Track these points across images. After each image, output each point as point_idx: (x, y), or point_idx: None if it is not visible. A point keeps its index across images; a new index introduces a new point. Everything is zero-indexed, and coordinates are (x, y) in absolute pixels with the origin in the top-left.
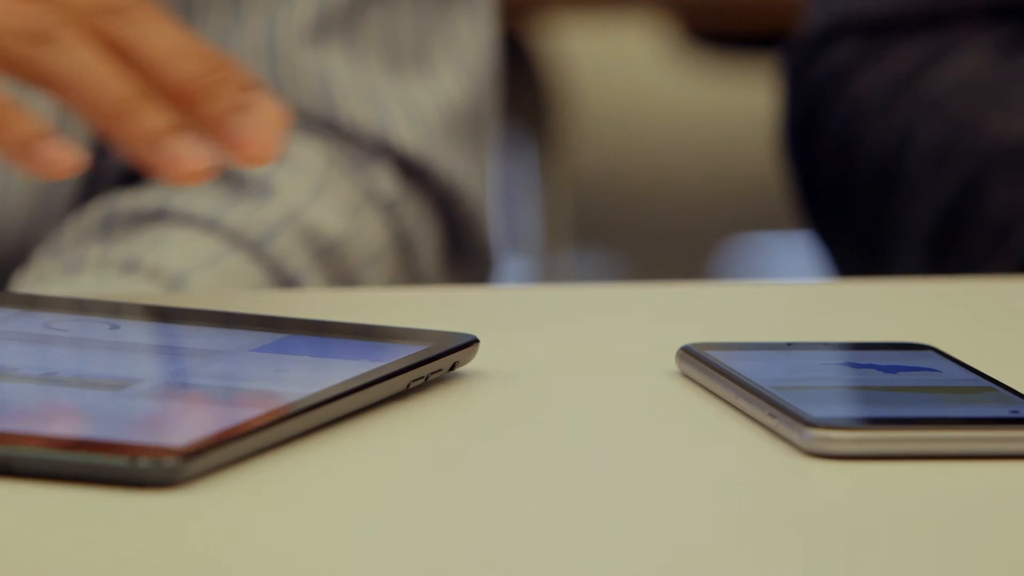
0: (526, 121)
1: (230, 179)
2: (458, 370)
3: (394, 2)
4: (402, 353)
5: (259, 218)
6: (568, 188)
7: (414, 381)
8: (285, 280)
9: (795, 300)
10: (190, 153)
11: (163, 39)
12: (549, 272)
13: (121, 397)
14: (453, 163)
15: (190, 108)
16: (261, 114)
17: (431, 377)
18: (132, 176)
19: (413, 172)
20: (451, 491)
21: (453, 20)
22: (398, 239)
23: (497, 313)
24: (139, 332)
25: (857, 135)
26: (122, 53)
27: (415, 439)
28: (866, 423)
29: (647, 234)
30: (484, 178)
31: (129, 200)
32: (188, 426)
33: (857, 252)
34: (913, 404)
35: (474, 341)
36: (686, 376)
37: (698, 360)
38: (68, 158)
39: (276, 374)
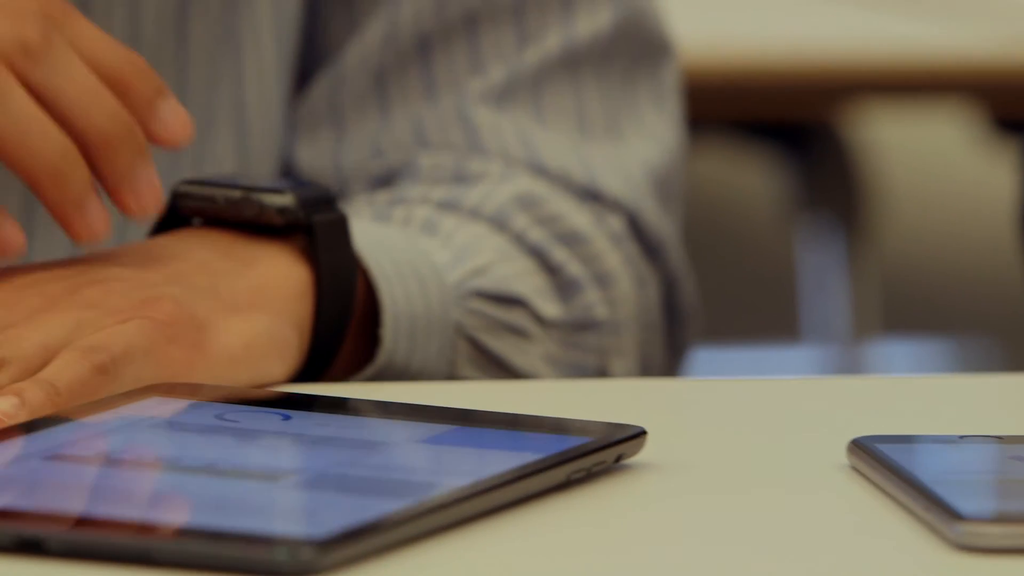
0: (836, 209)
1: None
2: (624, 462)
3: (578, 77)
4: (565, 444)
5: (493, 197)
6: (877, 277)
7: (574, 473)
8: (531, 249)
9: (1008, 393)
10: (102, 215)
11: (73, 83)
12: (857, 361)
13: (274, 488)
14: (659, 219)
15: (92, 161)
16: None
17: (594, 469)
18: None
19: (627, 220)
20: None
21: (636, 98)
22: (631, 266)
23: (669, 404)
24: (309, 423)
25: None
26: (39, 96)
27: (573, 533)
28: (1019, 517)
29: (958, 324)
30: (680, 245)
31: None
32: (332, 516)
33: None
34: None
35: (641, 433)
36: (856, 470)
37: (866, 453)
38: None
39: (434, 465)
